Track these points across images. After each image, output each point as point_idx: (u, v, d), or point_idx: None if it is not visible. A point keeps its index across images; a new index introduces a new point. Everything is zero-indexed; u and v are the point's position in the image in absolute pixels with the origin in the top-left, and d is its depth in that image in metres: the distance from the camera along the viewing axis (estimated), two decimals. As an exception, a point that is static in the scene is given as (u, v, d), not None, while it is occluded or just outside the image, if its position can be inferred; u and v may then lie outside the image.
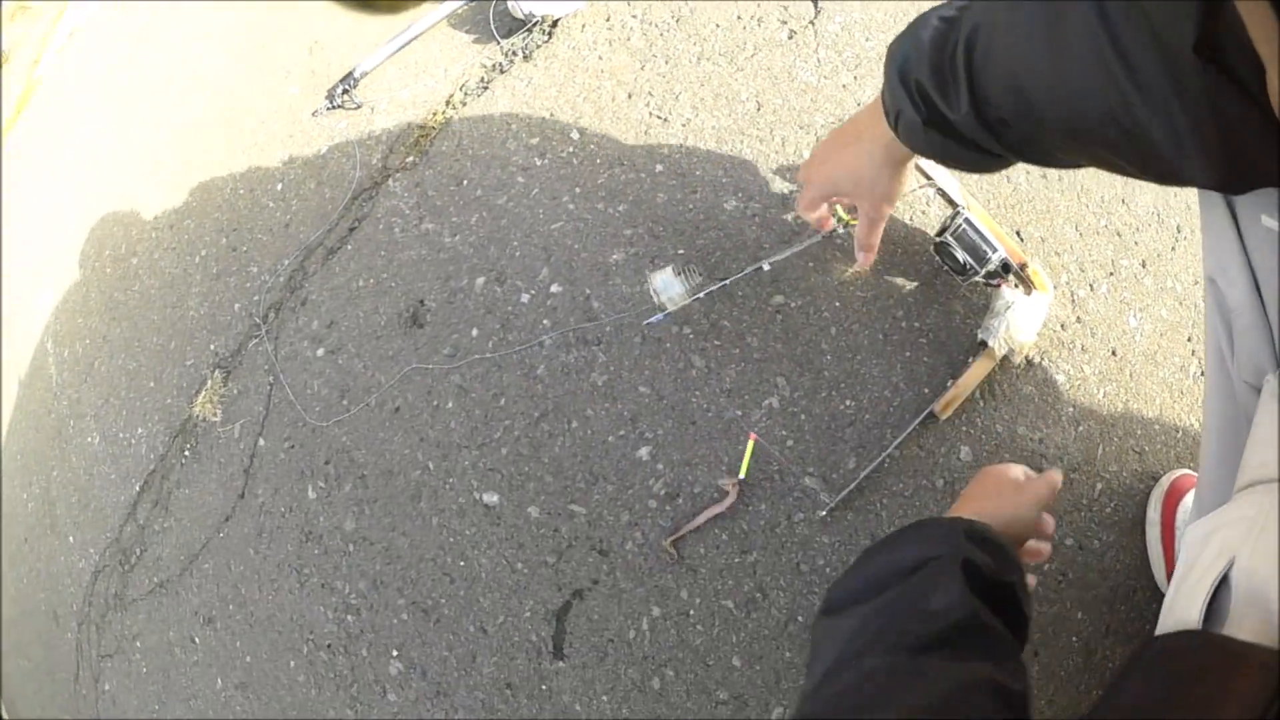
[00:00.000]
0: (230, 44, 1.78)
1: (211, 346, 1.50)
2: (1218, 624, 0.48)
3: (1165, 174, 0.55)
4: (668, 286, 1.07)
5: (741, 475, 1.11)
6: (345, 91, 1.43)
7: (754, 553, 1.11)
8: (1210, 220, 0.74)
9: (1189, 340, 1.19)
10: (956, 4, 0.63)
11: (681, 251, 1.15)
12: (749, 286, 1.13)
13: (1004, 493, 0.79)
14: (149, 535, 1.65)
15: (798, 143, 1.17)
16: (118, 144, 1.99)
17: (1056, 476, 0.83)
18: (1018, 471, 0.82)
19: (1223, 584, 0.50)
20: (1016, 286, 1.11)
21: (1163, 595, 1.11)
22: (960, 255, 1.05)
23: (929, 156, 0.72)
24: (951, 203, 1.11)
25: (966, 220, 1.06)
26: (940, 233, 1.08)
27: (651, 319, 1.09)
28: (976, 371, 1.09)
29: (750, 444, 1.11)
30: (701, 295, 1.08)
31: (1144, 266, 1.19)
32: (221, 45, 1.81)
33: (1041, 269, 1.11)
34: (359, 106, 1.41)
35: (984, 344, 1.09)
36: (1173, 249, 1.22)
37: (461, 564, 1.23)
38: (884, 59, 0.70)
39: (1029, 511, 0.77)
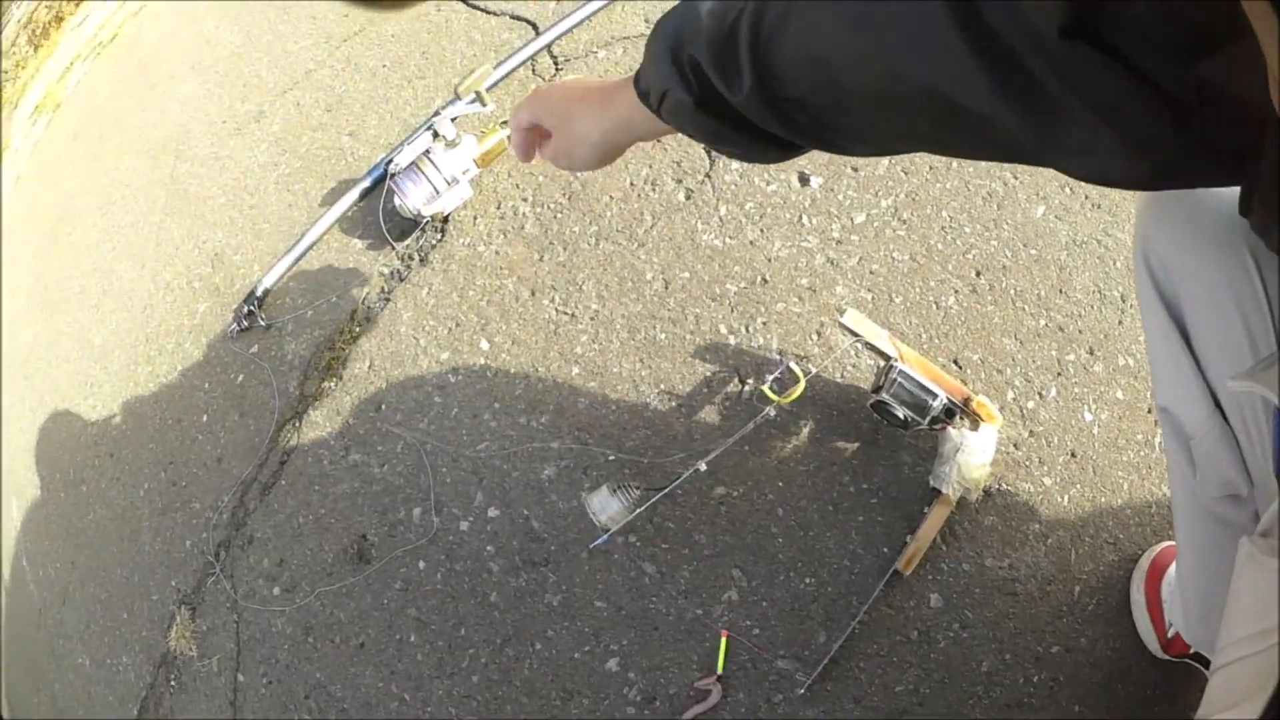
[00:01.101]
0: (138, 252, 1.71)
1: (173, 583, 1.46)
2: None
3: (1014, 153, 0.46)
4: (605, 506, 1.02)
5: (719, 671, 1.08)
6: (250, 313, 1.36)
7: (741, 743, 1.08)
8: (1162, 352, 0.69)
9: (1149, 412, 1.15)
10: None
11: (612, 458, 1.10)
12: (689, 483, 1.09)
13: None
14: (156, 761, 1.63)
15: (712, 318, 1.12)
16: (51, 352, 1.93)
17: None
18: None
19: None
20: (963, 424, 1.07)
21: (1156, 660, 1.10)
22: (900, 412, 1.00)
23: (699, 139, 0.63)
24: (883, 355, 1.06)
25: (901, 373, 1.00)
26: (876, 389, 1.03)
27: (596, 542, 1.04)
28: (934, 521, 1.04)
29: (723, 641, 1.07)
30: (642, 509, 1.04)
31: (1092, 354, 1.14)
32: (129, 253, 1.74)
33: (987, 400, 1.06)
34: (268, 327, 1.35)
35: (937, 491, 1.05)
36: (1119, 323, 1.17)
37: (457, 789, 1.20)
38: (649, 37, 0.60)
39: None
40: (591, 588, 1.09)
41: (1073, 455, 1.11)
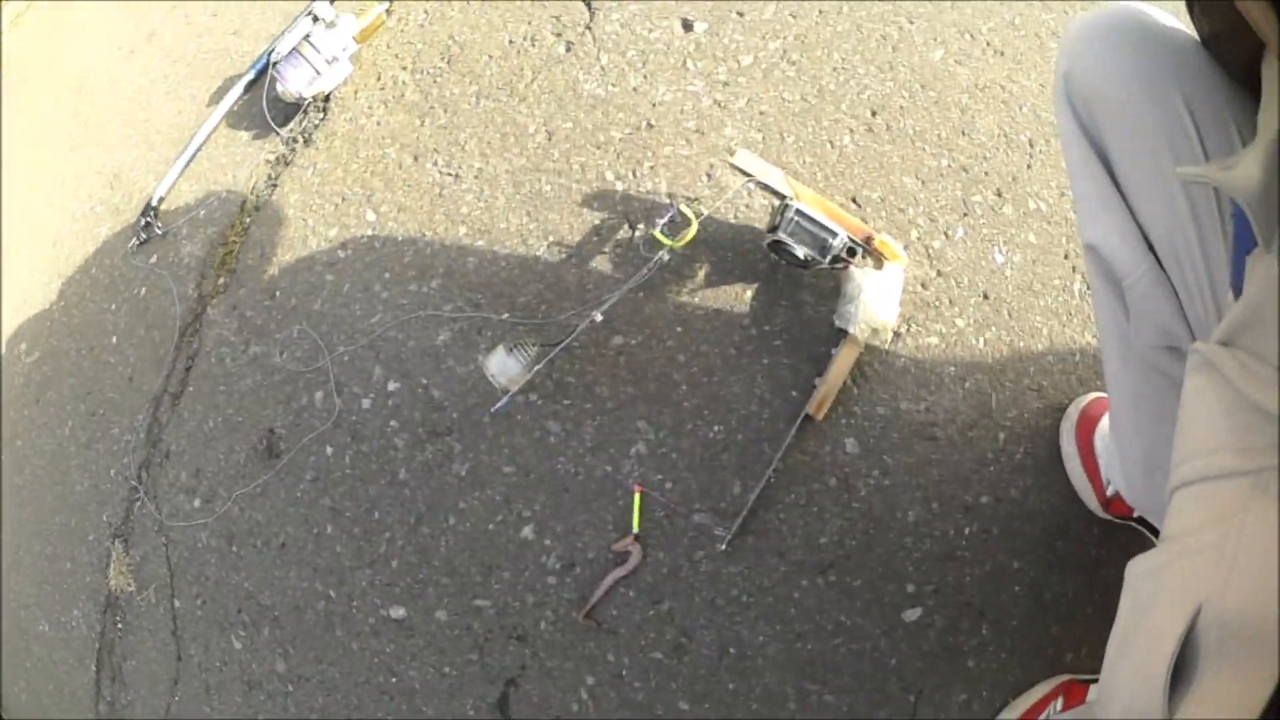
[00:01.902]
0: (47, 189, 1.67)
1: (104, 517, 1.42)
2: (1184, 684, 0.39)
3: None
4: (503, 368, 0.95)
5: (635, 529, 1.03)
6: (148, 224, 1.32)
7: (666, 601, 1.03)
8: (1087, 188, 0.65)
9: (1066, 258, 1.08)
10: None
11: (505, 315, 1.04)
12: (585, 335, 1.03)
13: None
14: (119, 710, 1.61)
15: (597, 166, 1.05)
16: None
17: None
18: None
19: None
20: (866, 263, 1.01)
21: (1096, 518, 1.04)
22: (800, 251, 0.93)
23: None
24: (777, 194, 1.00)
25: (798, 211, 0.93)
26: (772, 229, 0.95)
27: (497, 405, 0.99)
28: (843, 363, 0.97)
29: (637, 496, 1.03)
30: (540, 366, 0.99)
31: (1000, 195, 1.07)
32: (43, 194, 1.69)
33: (889, 238, 1.00)
34: (164, 235, 1.30)
35: (844, 332, 0.98)
36: (1029, 167, 1.10)
37: (394, 680, 1.16)
38: None
39: None
40: (498, 453, 1.04)
41: (985, 297, 1.05)
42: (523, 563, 1.05)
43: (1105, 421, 1.00)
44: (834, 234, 0.93)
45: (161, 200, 1.32)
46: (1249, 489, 0.42)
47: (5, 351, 1.69)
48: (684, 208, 0.96)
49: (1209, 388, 0.47)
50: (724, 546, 1.00)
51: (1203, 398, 0.47)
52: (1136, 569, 0.48)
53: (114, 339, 1.37)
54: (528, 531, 1.04)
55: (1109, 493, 0.98)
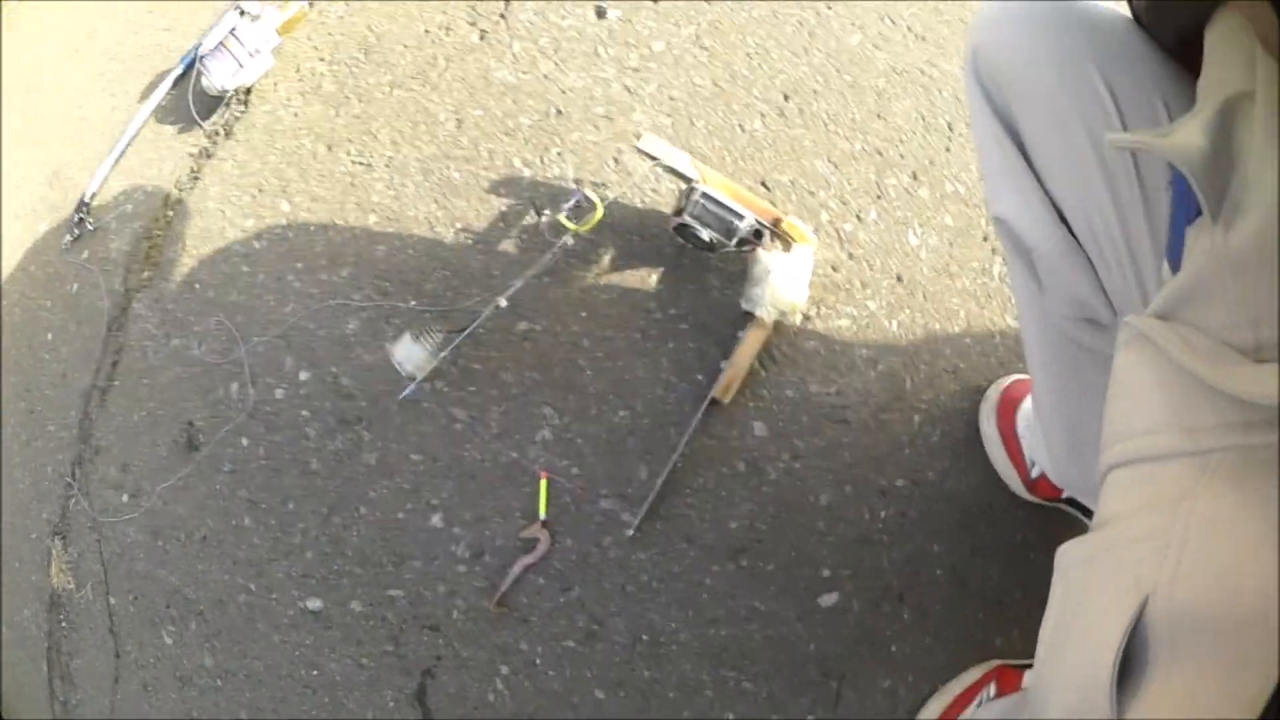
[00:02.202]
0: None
1: (44, 515, 1.43)
2: (1132, 682, 0.37)
3: None
4: (409, 355, 0.95)
5: (542, 515, 1.03)
6: (81, 220, 1.33)
7: (576, 588, 1.03)
8: (995, 162, 0.63)
9: (985, 240, 1.07)
10: None
11: (413, 303, 1.04)
12: (491, 321, 1.03)
13: None
14: (71, 710, 1.61)
15: (505, 153, 1.05)
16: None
17: None
18: None
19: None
20: (774, 246, 1.01)
21: (1022, 500, 1.02)
22: (705, 234, 0.92)
23: None
24: (683, 178, 0.99)
25: (704, 194, 0.92)
26: (678, 213, 0.94)
27: (404, 392, 0.99)
28: (749, 346, 0.96)
29: (543, 483, 1.02)
30: (446, 353, 0.97)
31: (915, 178, 1.06)
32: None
33: (798, 221, 0.98)
34: (95, 230, 1.31)
35: (751, 315, 0.97)
36: (947, 149, 1.09)
37: (315, 673, 1.16)
38: None
39: None
40: (405, 441, 1.04)
41: (899, 279, 1.04)
42: (433, 551, 1.04)
43: (1028, 403, 0.98)
44: (740, 217, 0.93)
45: (94, 196, 1.32)
46: (1196, 471, 0.40)
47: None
48: (589, 192, 0.96)
49: (1143, 363, 0.45)
50: (632, 532, 0.99)
51: (1137, 374, 0.45)
52: (1068, 556, 0.45)
53: (49, 335, 1.38)
54: (436, 520, 1.04)
55: (1034, 474, 0.97)
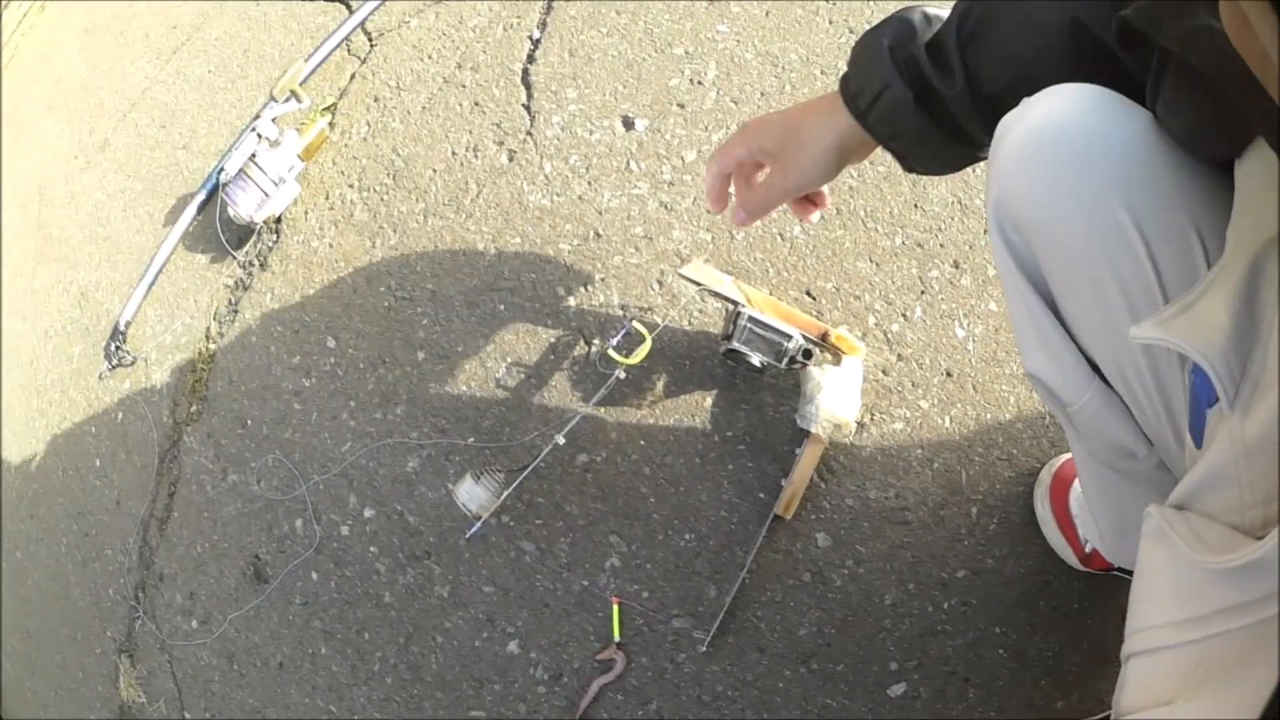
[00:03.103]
0: (19, 305, 1.70)
1: (109, 633, 1.47)
2: None
3: None
4: (473, 496, 0.96)
5: (617, 638, 1.06)
6: (117, 348, 1.35)
7: (654, 702, 1.07)
8: (1024, 321, 0.61)
9: None
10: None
11: (471, 440, 1.06)
12: (551, 455, 1.05)
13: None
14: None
15: (548, 281, 1.07)
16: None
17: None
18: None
19: None
20: (825, 359, 1.02)
21: (1078, 572, 1.06)
22: (756, 359, 0.93)
23: (900, 140, 0.67)
24: (730, 301, 1.01)
25: (750, 319, 0.92)
26: (726, 338, 0.94)
27: (470, 531, 1.00)
28: (808, 461, 0.97)
29: (615, 608, 1.06)
30: (509, 491, 0.98)
31: (957, 267, 1.08)
32: (12, 308, 1.72)
33: (846, 332, 0.99)
34: (134, 361, 1.33)
35: (806, 432, 0.99)
36: (985, 232, 1.11)
37: (400, 788, 1.22)
38: (855, 45, 0.66)
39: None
40: (476, 573, 1.07)
41: (949, 374, 1.06)
42: (511, 675, 1.08)
43: (1079, 483, 1.01)
44: (788, 337, 0.93)
45: (128, 324, 1.34)
46: (1192, 662, 0.42)
47: (3, 463, 1.73)
48: (638, 324, 0.97)
49: (1161, 558, 0.46)
50: (704, 647, 1.03)
51: (1155, 565, 0.47)
52: None
53: (97, 462, 1.41)
54: (513, 646, 1.08)
55: (1087, 549, 1.00)
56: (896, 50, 0.63)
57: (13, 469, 1.67)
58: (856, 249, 1.07)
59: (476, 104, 1.17)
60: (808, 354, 0.95)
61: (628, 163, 1.10)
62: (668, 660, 1.04)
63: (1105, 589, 1.09)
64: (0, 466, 1.68)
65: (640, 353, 0.95)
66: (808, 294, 1.04)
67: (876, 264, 1.06)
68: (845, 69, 0.68)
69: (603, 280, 1.06)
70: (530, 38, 1.19)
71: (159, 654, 1.39)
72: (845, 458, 1.02)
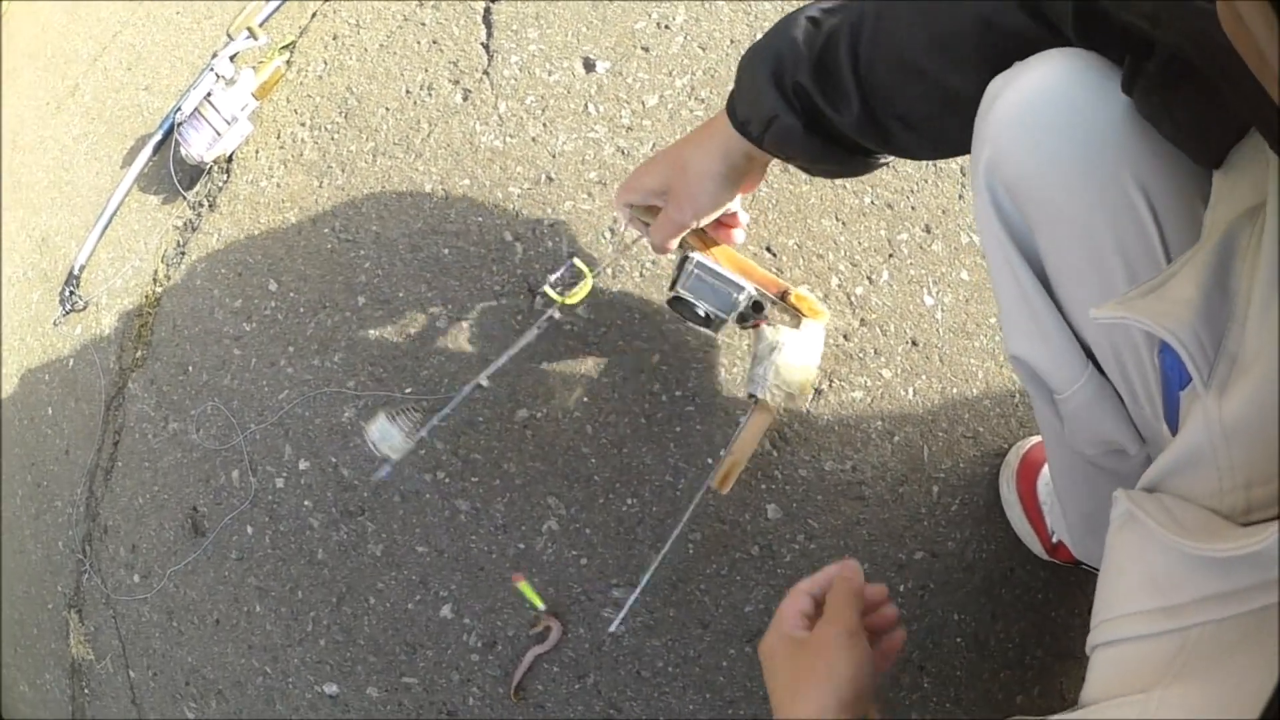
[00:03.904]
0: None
1: (59, 587, 1.48)
2: None
3: None
4: (385, 436, 0.92)
5: (540, 607, 1.03)
6: (71, 293, 1.35)
7: (591, 675, 1.04)
8: (1011, 298, 0.58)
9: None
10: (821, 5, 0.60)
11: (409, 390, 1.04)
12: (489, 409, 1.02)
13: (810, 666, 0.59)
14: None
15: (496, 226, 1.03)
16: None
17: (845, 569, 0.65)
18: (794, 621, 0.63)
19: None
20: (781, 320, 0.95)
21: (1043, 561, 1.01)
22: (701, 308, 0.88)
23: (797, 161, 0.69)
24: (682, 245, 0.96)
25: (699, 264, 0.87)
26: (672, 285, 0.91)
27: (379, 474, 0.97)
28: (752, 431, 0.91)
29: (523, 585, 1.00)
30: (424, 432, 0.93)
31: (929, 231, 1.03)
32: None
33: (808, 292, 0.93)
34: (85, 307, 1.33)
35: (754, 398, 0.91)
36: (960, 197, 1.05)
37: (334, 753, 1.20)
38: (740, 65, 0.65)
39: (847, 656, 0.58)
40: (410, 532, 1.05)
41: (914, 344, 1.01)
42: (445, 641, 1.06)
43: (1048, 470, 0.97)
44: (740, 288, 0.88)
45: (82, 269, 1.34)
46: (1173, 652, 0.41)
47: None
48: (578, 262, 0.92)
49: (1131, 543, 0.45)
50: (645, 618, 1.00)
51: (1125, 553, 0.45)
52: None
53: (49, 410, 1.41)
54: (446, 611, 1.05)
55: (1054, 539, 0.96)
56: (782, 77, 0.61)
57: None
58: (823, 206, 1.02)
59: (435, 42, 1.14)
60: (758, 307, 0.90)
61: (585, 105, 1.07)
62: (606, 632, 1.01)
63: (1072, 580, 1.05)
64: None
65: (579, 293, 0.91)
66: (768, 250, 1.01)
67: (843, 223, 1.02)
68: (732, 90, 0.67)
69: (552, 226, 1.03)
70: (495, -25, 1.17)
71: (104, 609, 1.39)
72: (800, 425, 0.98)
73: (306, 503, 1.09)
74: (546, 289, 0.92)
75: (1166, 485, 0.45)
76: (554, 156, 1.05)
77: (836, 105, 0.60)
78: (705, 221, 0.78)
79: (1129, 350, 0.54)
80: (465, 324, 1.03)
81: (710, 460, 0.97)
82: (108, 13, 1.63)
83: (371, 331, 1.05)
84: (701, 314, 0.89)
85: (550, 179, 1.05)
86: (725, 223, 0.85)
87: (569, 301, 0.92)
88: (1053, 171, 0.51)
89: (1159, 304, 0.43)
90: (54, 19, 1.82)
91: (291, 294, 1.10)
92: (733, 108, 0.67)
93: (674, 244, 0.81)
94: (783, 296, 0.92)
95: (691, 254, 0.88)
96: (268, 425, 1.10)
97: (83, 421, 1.34)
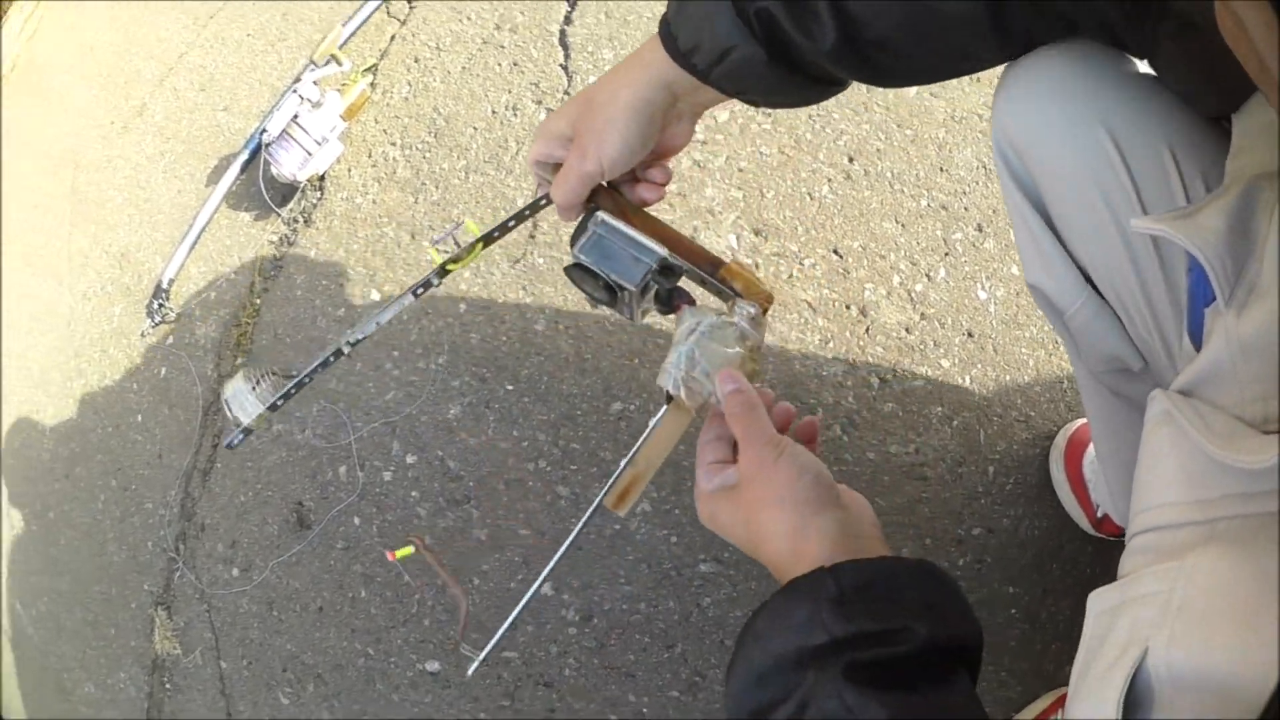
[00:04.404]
0: (53, 269, 1.82)
1: (145, 586, 1.59)
2: (1141, 712, 0.42)
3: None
4: (239, 400, 0.79)
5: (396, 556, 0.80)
6: (160, 305, 1.46)
7: (679, 644, 1.17)
8: (1023, 234, 0.71)
9: None
10: None
11: (510, 388, 1.18)
12: (586, 403, 1.15)
13: (757, 506, 0.57)
14: (170, 761, 1.80)
15: (586, 233, 1.19)
16: None
17: (725, 380, 0.63)
18: (711, 472, 0.62)
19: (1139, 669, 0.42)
20: (711, 302, 0.72)
21: (1091, 537, 1.15)
22: (602, 275, 0.69)
23: (747, 96, 0.62)
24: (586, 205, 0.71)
25: (602, 224, 0.69)
26: (571, 245, 0.71)
27: (229, 440, 0.82)
28: (661, 439, 0.70)
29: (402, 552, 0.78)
30: (280, 400, 0.79)
31: (980, 230, 1.17)
32: (47, 272, 1.84)
33: (747, 263, 0.80)
34: (177, 317, 1.44)
35: (669, 395, 0.69)
36: None
37: (433, 728, 1.33)
38: None
39: (787, 468, 0.56)
40: (514, 517, 1.18)
41: (970, 335, 1.15)
42: (545, 616, 1.19)
43: (1093, 447, 1.11)
44: (651, 253, 0.68)
45: (171, 282, 1.46)
46: (1203, 538, 0.44)
47: (29, 428, 1.85)
48: (471, 222, 0.82)
49: (1165, 439, 0.49)
50: (732, 591, 1.13)
51: (1159, 448, 0.50)
52: (1094, 605, 0.50)
53: (139, 417, 1.52)
54: (547, 588, 1.18)
55: (1099, 514, 1.09)
56: (741, 1, 0.55)
57: (48, 432, 1.79)
58: (883, 210, 1.16)
59: (515, 64, 1.27)
60: (668, 271, 0.69)
61: (662, 123, 1.20)
62: (693, 604, 1.14)
63: (1116, 555, 1.18)
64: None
65: (467, 256, 0.77)
66: (835, 252, 1.14)
67: (902, 225, 1.16)
68: (667, 11, 0.58)
69: (638, 235, 1.16)
70: (567, 0, 1.29)
71: (197, 604, 1.50)
72: (867, 412, 1.12)
73: (414, 493, 1.21)
74: (431, 249, 0.83)
75: (1196, 392, 0.49)
76: (636, 172, 1.18)
77: (809, 31, 0.54)
78: (615, 174, 0.65)
79: (1119, 271, 0.66)
80: (562, 327, 1.15)
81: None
82: (167, 34, 1.73)
83: (473, 336, 1.18)
84: (605, 284, 0.71)
85: (634, 192, 1.18)
86: (646, 179, 0.70)
87: (452, 267, 0.77)
88: (1042, 130, 0.64)
89: (1191, 226, 0.49)
90: (102, 39, 1.92)
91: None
92: (669, 32, 0.59)
93: (577, 201, 0.68)
94: (715, 269, 0.71)
95: (597, 212, 0.70)
96: (376, 424, 1.22)
97: (177, 427, 1.45)
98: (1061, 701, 1.11)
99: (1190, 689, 0.40)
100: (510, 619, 0.72)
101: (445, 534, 1.20)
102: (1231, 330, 0.47)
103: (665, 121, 0.64)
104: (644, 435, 0.71)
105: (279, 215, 1.35)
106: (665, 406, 0.70)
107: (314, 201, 1.32)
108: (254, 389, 0.82)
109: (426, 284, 0.78)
